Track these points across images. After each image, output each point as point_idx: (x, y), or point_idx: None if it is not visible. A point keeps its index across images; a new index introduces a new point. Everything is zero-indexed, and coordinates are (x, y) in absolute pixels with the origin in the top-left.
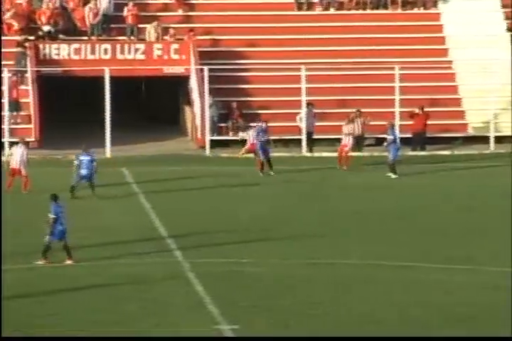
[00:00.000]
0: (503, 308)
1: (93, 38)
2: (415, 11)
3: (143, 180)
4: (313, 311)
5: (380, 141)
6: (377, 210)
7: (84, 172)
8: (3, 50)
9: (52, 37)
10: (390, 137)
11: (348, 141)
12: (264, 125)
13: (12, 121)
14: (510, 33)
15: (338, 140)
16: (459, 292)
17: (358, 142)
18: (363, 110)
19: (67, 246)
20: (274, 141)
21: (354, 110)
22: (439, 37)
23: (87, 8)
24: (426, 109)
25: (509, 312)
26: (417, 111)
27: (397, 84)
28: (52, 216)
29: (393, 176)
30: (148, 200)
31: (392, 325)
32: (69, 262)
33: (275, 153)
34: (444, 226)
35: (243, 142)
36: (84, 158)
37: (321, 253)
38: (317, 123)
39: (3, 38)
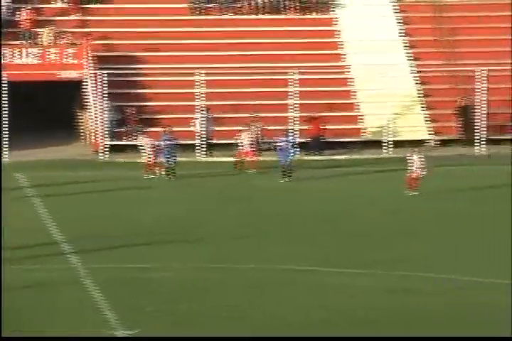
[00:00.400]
0: (405, 312)
1: None
2: (311, 16)
3: (38, 184)
4: (225, 314)
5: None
6: (278, 214)
7: None
8: None
9: None
10: (281, 143)
11: (248, 146)
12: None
13: None
14: (404, 38)
15: (236, 145)
16: (362, 296)
17: (257, 146)
18: (260, 115)
19: None
20: None
21: (250, 115)
22: (335, 42)
23: None
24: (323, 114)
25: (410, 316)
26: (313, 115)
27: (293, 89)
28: None
29: (282, 180)
30: (43, 205)
31: (301, 327)
32: None
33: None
34: (349, 230)
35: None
36: None
37: (229, 256)
38: (215, 128)
39: None
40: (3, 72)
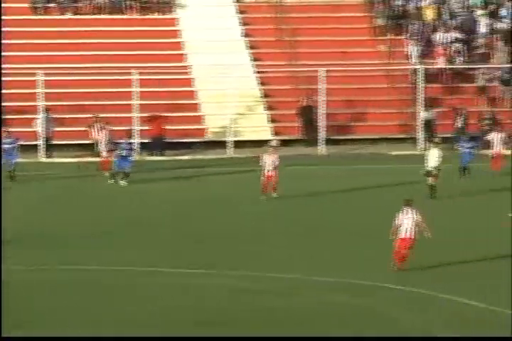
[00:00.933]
0: (249, 311)
1: None
2: (152, 16)
3: None
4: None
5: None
6: (119, 217)
7: None
8: None
9: None
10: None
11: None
12: None
13: None
14: (246, 39)
15: (79, 145)
16: (207, 295)
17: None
18: (101, 115)
19: None
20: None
21: (92, 115)
22: (176, 42)
23: None
24: (164, 114)
25: (254, 314)
26: (154, 115)
27: (134, 89)
28: None
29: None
30: None
31: (147, 327)
32: None
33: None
34: (190, 231)
35: None
36: None
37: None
38: (56, 129)
39: None
40: None
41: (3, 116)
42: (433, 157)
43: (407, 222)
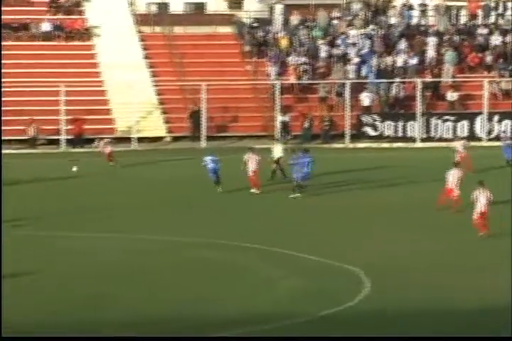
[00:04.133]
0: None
1: None
2: (74, 42)
3: None
4: None
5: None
6: None
7: None
8: None
9: None
10: None
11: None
12: None
13: None
14: (146, 60)
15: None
16: (104, 255)
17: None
18: (36, 118)
19: None
20: None
21: (28, 118)
22: (93, 63)
23: None
24: (83, 117)
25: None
26: (78, 118)
27: (62, 98)
28: None
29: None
30: None
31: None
32: None
33: None
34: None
35: None
36: None
37: None
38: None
39: None
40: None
41: None
42: (277, 149)
43: (481, 198)
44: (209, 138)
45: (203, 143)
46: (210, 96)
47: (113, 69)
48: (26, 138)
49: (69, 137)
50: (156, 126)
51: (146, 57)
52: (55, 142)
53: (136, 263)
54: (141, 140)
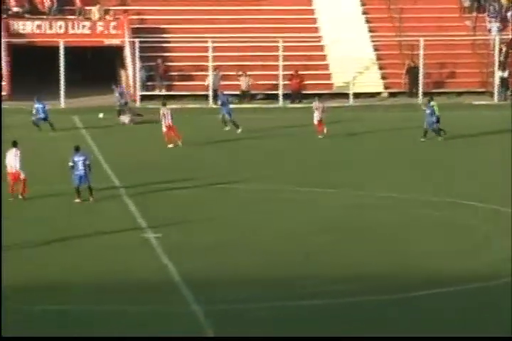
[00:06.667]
0: (358, 221)
1: (50, 17)
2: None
3: (89, 125)
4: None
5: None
6: None
7: None
8: None
9: (19, 16)
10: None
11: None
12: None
13: None
14: (364, 16)
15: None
16: (325, 209)
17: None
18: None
19: (89, 187)
20: None
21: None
22: (311, 19)
23: None
24: (302, 72)
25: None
26: (293, 73)
27: (280, 53)
28: (69, 164)
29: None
30: (94, 141)
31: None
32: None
33: None
34: None
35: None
36: None
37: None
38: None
39: None
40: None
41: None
42: None
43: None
44: (426, 94)
45: (420, 99)
46: (428, 52)
47: (331, 24)
48: (239, 93)
49: (286, 92)
50: (372, 82)
51: (364, 12)
52: (273, 97)
53: (363, 218)
54: (357, 95)
